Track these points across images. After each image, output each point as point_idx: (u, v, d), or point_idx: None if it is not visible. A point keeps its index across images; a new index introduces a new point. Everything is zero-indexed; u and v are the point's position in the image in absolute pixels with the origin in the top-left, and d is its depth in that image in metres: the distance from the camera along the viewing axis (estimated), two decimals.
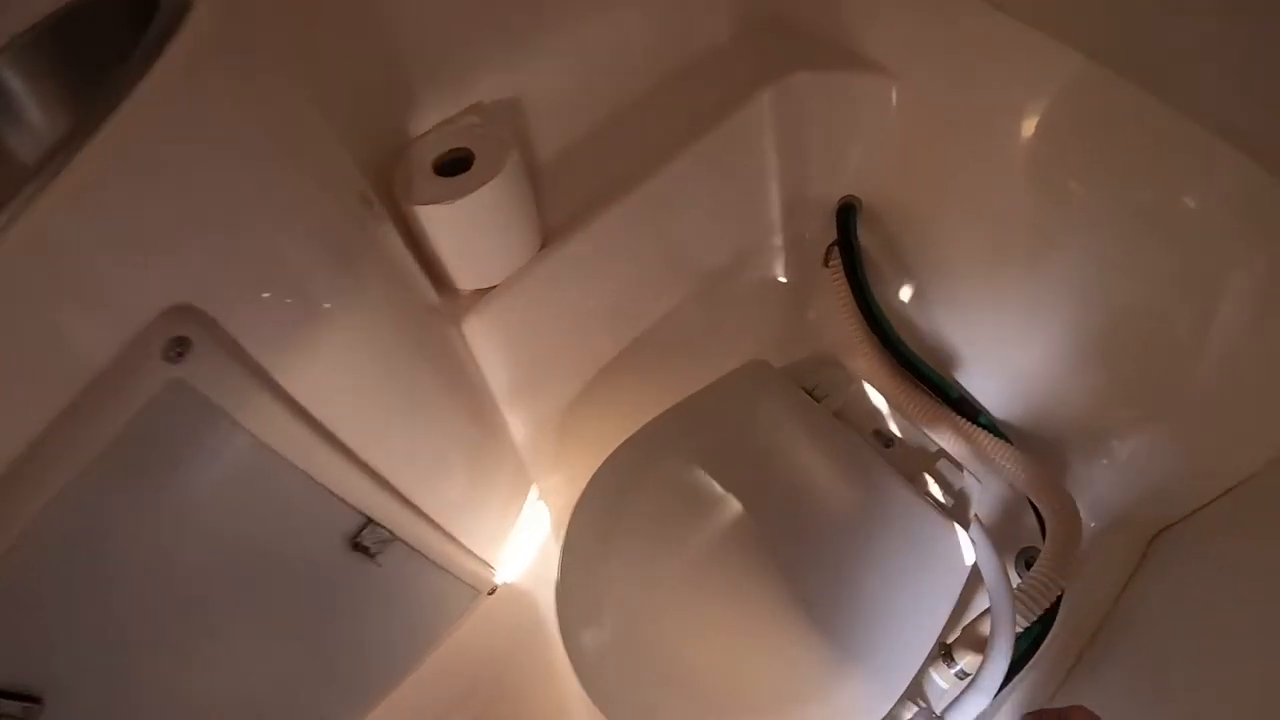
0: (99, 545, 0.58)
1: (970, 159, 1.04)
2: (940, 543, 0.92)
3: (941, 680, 1.00)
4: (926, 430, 1.09)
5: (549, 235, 0.98)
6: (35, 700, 0.59)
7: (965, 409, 1.12)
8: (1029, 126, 0.95)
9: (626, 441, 1.02)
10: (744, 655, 0.87)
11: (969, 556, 0.92)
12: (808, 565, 0.91)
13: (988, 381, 1.19)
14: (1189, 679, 0.78)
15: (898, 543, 0.92)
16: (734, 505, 0.95)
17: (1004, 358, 1.17)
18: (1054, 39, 0.87)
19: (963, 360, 1.23)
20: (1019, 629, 0.91)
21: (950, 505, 0.99)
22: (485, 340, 0.96)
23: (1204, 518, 0.99)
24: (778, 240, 1.29)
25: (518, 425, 1.10)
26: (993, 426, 1.11)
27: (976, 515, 0.97)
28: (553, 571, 0.99)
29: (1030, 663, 0.98)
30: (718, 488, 0.96)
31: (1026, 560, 1.11)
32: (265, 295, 0.58)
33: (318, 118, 0.67)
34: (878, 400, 1.10)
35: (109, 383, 0.50)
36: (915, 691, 1.01)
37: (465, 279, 0.94)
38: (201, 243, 0.52)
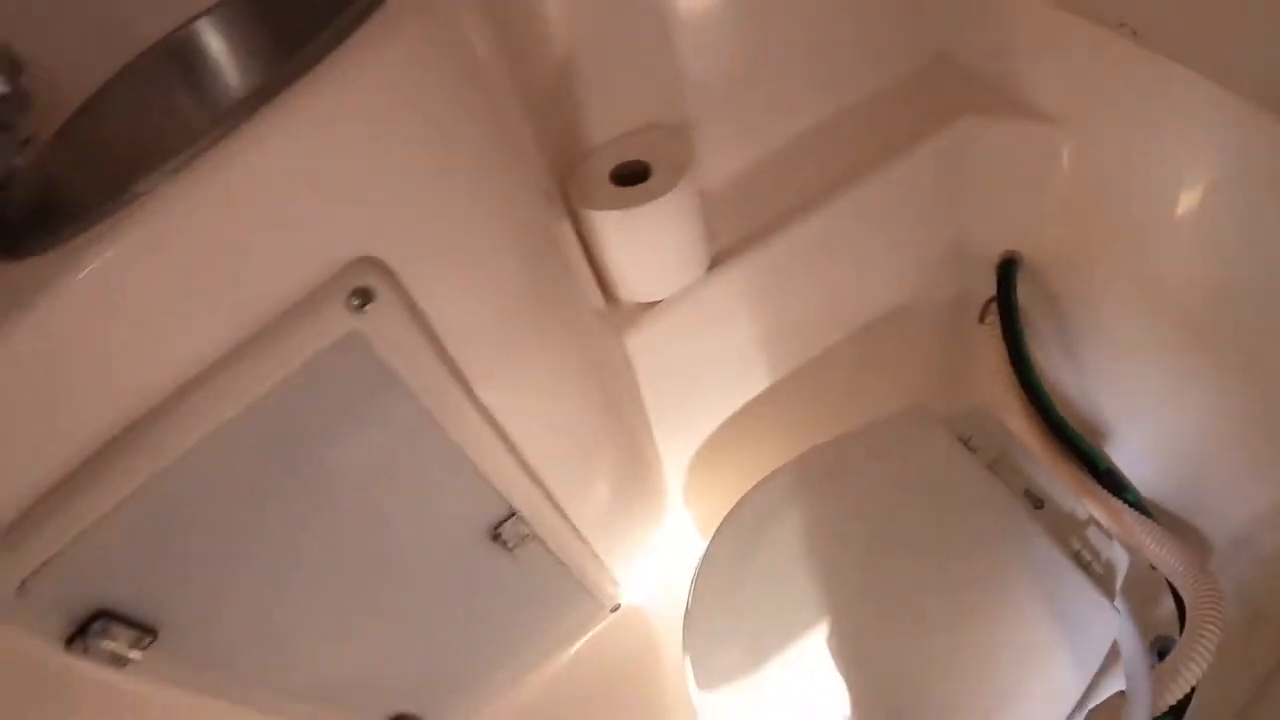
0: (244, 488, 0.60)
1: (1138, 220, 0.96)
2: (1084, 612, 0.85)
3: None
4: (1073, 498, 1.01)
5: (716, 258, 0.97)
6: (151, 632, 0.63)
7: (1112, 482, 1.04)
8: (1200, 191, 0.88)
9: (773, 474, 0.99)
10: (863, 697, 0.82)
11: (1111, 632, 0.84)
12: (944, 617, 0.85)
13: (1139, 456, 1.10)
14: None
15: (1040, 607, 0.85)
16: (875, 549, 0.91)
17: (1158, 433, 1.08)
18: (1240, 98, 0.78)
19: (1114, 430, 1.14)
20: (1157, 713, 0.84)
21: (1098, 574, 0.91)
22: (644, 354, 0.96)
23: None
24: (936, 290, 1.23)
25: (664, 446, 1.09)
26: (1139, 504, 1.02)
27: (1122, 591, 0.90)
28: (673, 598, 0.97)
29: None
30: (860, 530, 0.92)
31: (1160, 650, 1.00)
32: (448, 266, 0.59)
33: (516, 107, 0.68)
34: (1031, 460, 1.03)
35: (291, 321, 0.52)
36: None
37: (630, 291, 0.94)
38: (397, 201, 0.54)
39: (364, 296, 0.53)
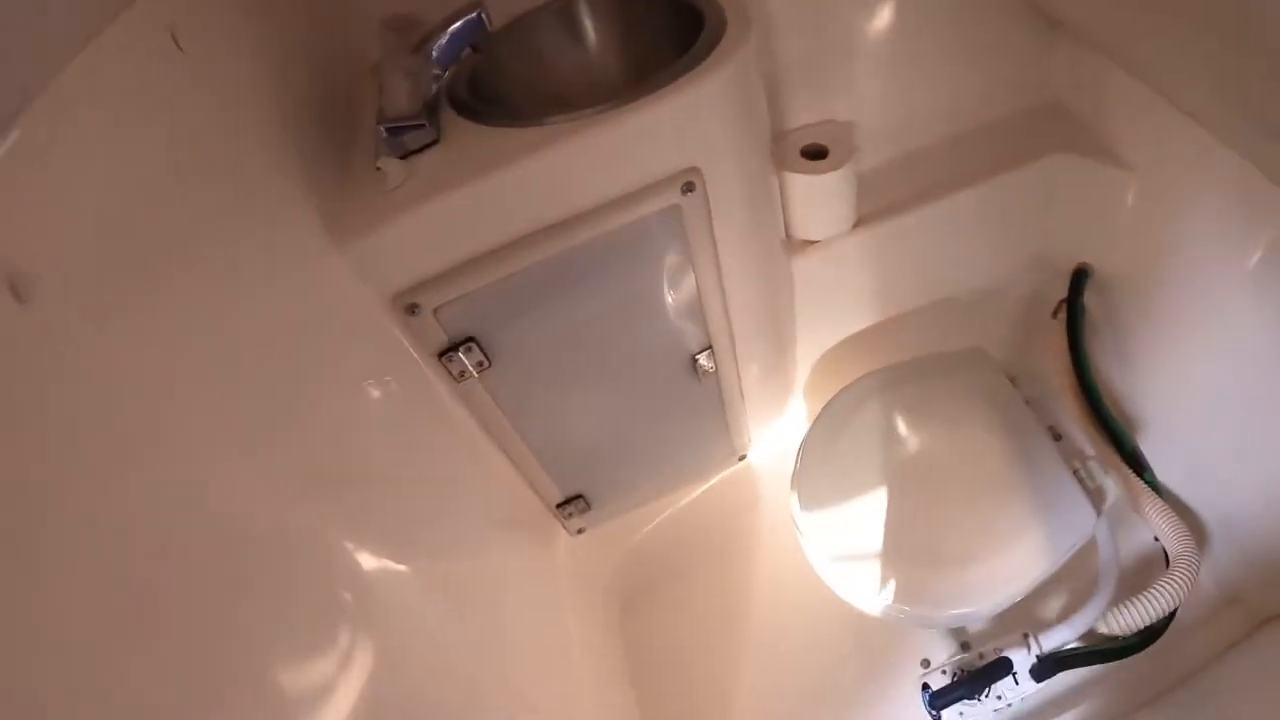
0: (571, 289, 1.02)
1: (1194, 262, 1.21)
2: (1070, 509, 1.18)
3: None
4: None
5: (859, 220, 1.38)
6: (489, 362, 1.04)
7: (1134, 462, 1.36)
8: (1252, 258, 1.09)
9: (862, 377, 1.41)
10: (907, 525, 1.21)
11: (1087, 530, 1.17)
12: (966, 485, 1.24)
13: (1163, 447, 1.40)
14: None
15: (1037, 494, 1.20)
16: (925, 435, 1.31)
17: (1186, 437, 1.36)
18: (1263, 179, 1.01)
19: (1146, 423, 1.44)
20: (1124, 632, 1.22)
21: (1089, 489, 1.23)
22: (802, 277, 1.39)
23: None
24: (1019, 282, 1.59)
25: (800, 347, 1.52)
26: (1153, 483, 1.35)
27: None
28: (780, 470, 1.40)
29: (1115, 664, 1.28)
30: (917, 421, 1.32)
31: None
32: (726, 177, 1.02)
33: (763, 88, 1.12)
34: (1061, 410, 1.38)
35: (646, 193, 0.96)
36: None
37: (799, 230, 1.37)
38: (717, 137, 0.98)
39: (689, 187, 0.97)
